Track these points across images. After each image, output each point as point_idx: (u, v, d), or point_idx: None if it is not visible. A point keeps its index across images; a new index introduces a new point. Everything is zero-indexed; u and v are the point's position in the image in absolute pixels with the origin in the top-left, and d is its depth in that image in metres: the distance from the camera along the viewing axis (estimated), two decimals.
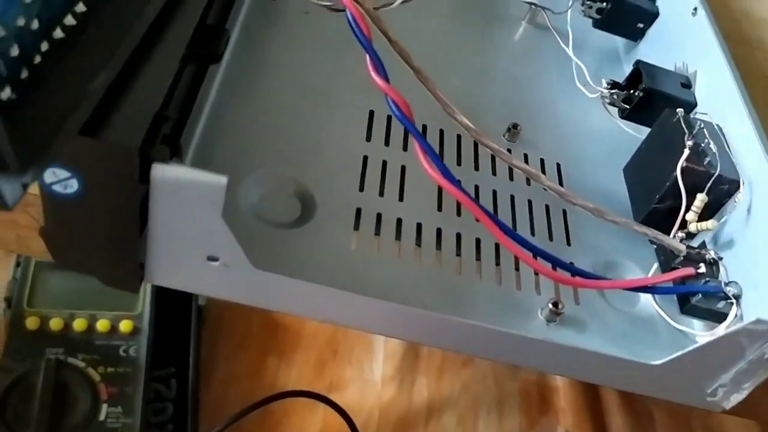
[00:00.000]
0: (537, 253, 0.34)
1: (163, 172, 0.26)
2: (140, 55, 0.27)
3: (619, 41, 0.55)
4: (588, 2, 0.51)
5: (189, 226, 0.28)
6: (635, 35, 0.53)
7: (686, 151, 0.37)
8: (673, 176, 0.37)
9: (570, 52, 0.48)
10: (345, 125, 0.41)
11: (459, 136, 0.43)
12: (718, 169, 0.37)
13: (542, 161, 0.44)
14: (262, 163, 0.37)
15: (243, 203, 0.35)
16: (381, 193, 0.38)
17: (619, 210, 0.42)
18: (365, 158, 0.40)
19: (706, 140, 0.38)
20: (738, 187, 0.37)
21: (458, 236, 0.38)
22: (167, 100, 0.28)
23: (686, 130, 0.38)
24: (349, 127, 0.41)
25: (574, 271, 0.35)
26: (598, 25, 0.52)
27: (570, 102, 0.48)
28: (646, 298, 0.38)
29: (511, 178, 0.42)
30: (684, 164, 0.37)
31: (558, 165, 0.44)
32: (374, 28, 0.33)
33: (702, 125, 0.39)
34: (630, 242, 0.40)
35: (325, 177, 0.38)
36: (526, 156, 0.44)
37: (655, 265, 0.39)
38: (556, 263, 0.34)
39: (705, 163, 0.37)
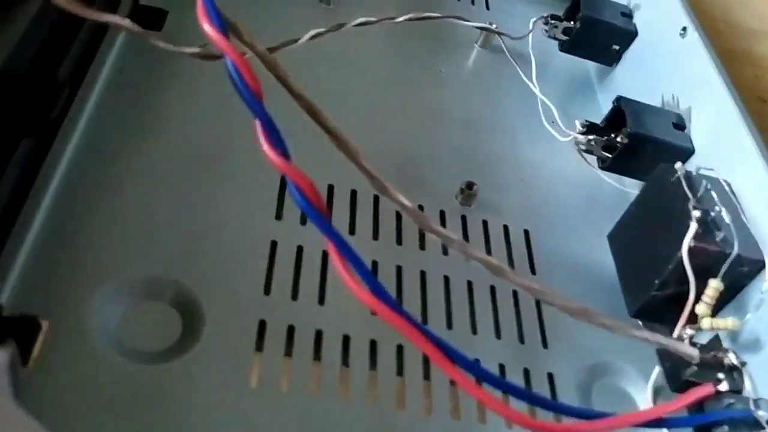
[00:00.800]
0: (508, 390, 0.24)
1: None
2: None
3: (590, 65, 0.47)
4: (552, 22, 0.42)
5: None
6: (610, 59, 0.44)
7: (693, 225, 0.28)
8: (677, 257, 0.28)
9: (535, 88, 0.39)
10: (247, 199, 0.31)
11: None
12: (735, 247, 0.28)
13: (506, 229, 0.35)
14: (126, 266, 0.27)
15: (97, 328, 0.25)
16: (294, 295, 0.29)
17: (607, 286, 0.34)
18: (274, 244, 0.30)
19: (717, 207, 0.29)
20: (761, 268, 0.28)
21: (399, 349, 0.28)
22: None
23: (689, 194, 0.29)
24: (253, 201, 0.31)
25: (558, 409, 0.25)
26: (565, 48, 0.43)
27: (537, 147, 0.39)
28: None
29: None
30: (692, 243, 0.28)
31: (526, 232, 0.35)
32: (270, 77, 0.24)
33: (708, 185, 0.30)
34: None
35: (218, 276, 0.28)
36: (485, 223, 0.35)
37: (657, 369, 0.30)
38: (536, 402, 0.25)
39: (718, 239, 0.28)
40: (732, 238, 0.28)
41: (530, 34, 0.43)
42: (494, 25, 0.44)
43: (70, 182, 0.28)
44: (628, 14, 0.43)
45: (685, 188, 0.30)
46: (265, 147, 0.22)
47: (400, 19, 0.32)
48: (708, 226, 0.29)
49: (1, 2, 0.22)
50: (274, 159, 0.22)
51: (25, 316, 0.25)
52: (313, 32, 0.29)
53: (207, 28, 0.22)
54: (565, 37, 0.43)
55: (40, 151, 0.27)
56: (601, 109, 0.44)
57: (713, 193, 0.30)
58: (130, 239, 0.28)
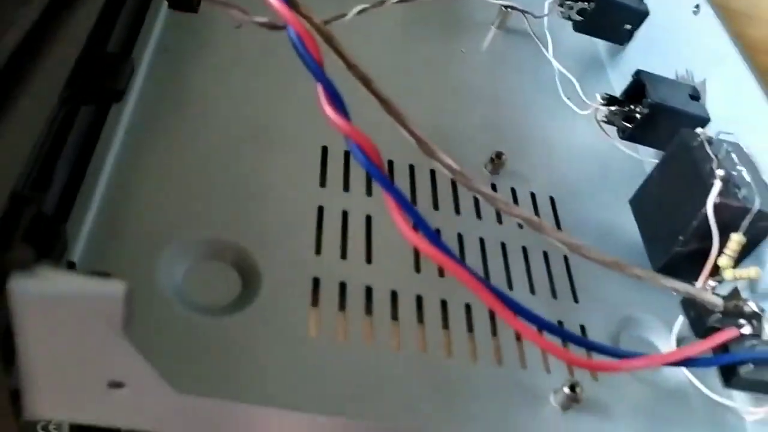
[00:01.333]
0: (544, 326, 0.26)
1: (25, 286, 0.17)
2: None
3: (601, 45, 0.49)
4: (568, 2, 0.44)
5: (76, 349, 0.20)
6: (621, 38, 0.46)
7: (717, 184, 0.30)
8: (701, 214, 0.30)
9: (555, 63, 0.41)
10: (292, 168, 0.33)
11: (432, 172, 0.36)
12: (757, 203, 0.30)
13: (533, 196, 0.37)
14: (187, 228, 0.29)
15: (163, 284, 0.27)
16: (343, 255, 0.31)
17: (629, 248, 0.36)
18: (320, 209, 0.32)
19: (738, 167, 0.31)
20: None
21: (443, 304, 0.30)
22: (35, 170, 0.19)
23: (713, 156, 0.31)
24: (298, 170, 0.33)
25: (592, 347, 0.27)
26: (579, 28, 0.45)
27: (558, 120, 0.41)
28: None
29: (500, 221, 0.35)
30: (716, 200, 0.30)
31: (552, 199, 0.37)
32: (326, 48, 0.26)
33: (729, 147, 0.32)
34: (646, 290, 0.33)
35: (271, 239, 0.30)
36: (513, 191, 0.37)
37: (681, 319, 0.32)
38: (569, 338, 0.27)
39: (740, 196, 0.30)
40: (753, 194, 0.30)
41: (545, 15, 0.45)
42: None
43: (128, 148, 0.30)
44: None
45: (708, 150, 0.32)
46: (328, 110, 0.24)
47: None
48: (730, 184, 0.31)
49: None
50: (338, 121, 0.24)
51: (97, 272, 0.27)
52: (359, 8, 0.31)
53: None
54: (579, 18, 0.45)
55: (99, 118, 0.29)
56: (612, 87, 0.46)
57: (734, 155, 0.32)
58: (189, 203, 0.30)
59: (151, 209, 0.29)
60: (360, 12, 0.31)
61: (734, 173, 0.31)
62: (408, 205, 0.24)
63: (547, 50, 0.44)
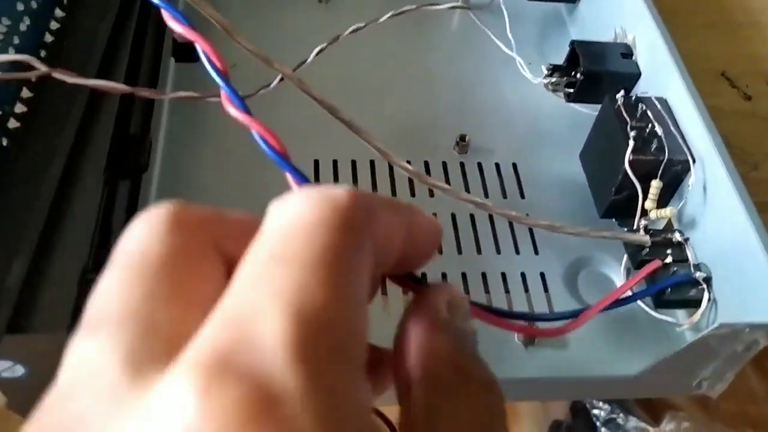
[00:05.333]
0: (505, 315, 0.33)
1: None
2: (53, 222, 0.28)
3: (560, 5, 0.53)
4: None
5: None
6: None
7: (631, 143, 0.36)
8: (623, 169, 0.36)
9: (510, 44, 0.47)
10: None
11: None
12: (666, 153, 0.36)
13: (497, 166, 0.43)
14: None
15: None
16: None
17: (583, 196, 0.42)
18: None
19: (650, 124, 0.37)
20: (690, 166, 0.36)
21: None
22: (94, 252, 0.28)
23: (627, 119, 0.37)
24: None
25: (533, 318, 0.34)
26: None
27: (517, 91, 0.47)
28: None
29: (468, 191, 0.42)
30: (631, 157, 0.36)
31: (514, 165, 0.44)
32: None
33: (644, 107, 0.38)
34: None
35: None
36: (480, 165, 0.43)
37: (626, 257, 0.38)
38: (523, 317, 0.33)
39: (652, 149, 0.36)
40: (663, 145, 0.36)
41: None
42: None
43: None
44: None
45: (624, 113, 0.37)
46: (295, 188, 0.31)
47: (384, 18, 0.40)
48: (644, 140, 0.37)
49: None
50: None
51: None
52: (317, 49, 0.37)
53: (233, 111, 0.30)
54: None
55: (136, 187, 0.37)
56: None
57: (648, 113, 0.38)
58: None
59: None
60: (319, 52, 0.37)
61: (647, 129, 0.37)
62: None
63: (502, 25, 0.48)
